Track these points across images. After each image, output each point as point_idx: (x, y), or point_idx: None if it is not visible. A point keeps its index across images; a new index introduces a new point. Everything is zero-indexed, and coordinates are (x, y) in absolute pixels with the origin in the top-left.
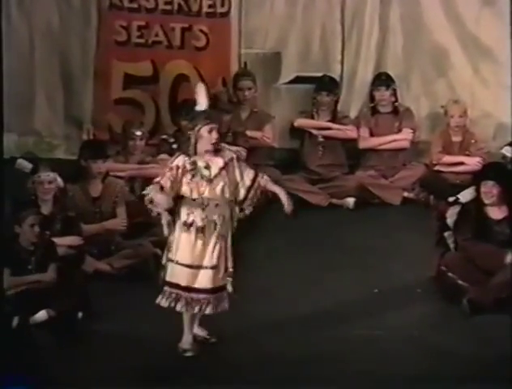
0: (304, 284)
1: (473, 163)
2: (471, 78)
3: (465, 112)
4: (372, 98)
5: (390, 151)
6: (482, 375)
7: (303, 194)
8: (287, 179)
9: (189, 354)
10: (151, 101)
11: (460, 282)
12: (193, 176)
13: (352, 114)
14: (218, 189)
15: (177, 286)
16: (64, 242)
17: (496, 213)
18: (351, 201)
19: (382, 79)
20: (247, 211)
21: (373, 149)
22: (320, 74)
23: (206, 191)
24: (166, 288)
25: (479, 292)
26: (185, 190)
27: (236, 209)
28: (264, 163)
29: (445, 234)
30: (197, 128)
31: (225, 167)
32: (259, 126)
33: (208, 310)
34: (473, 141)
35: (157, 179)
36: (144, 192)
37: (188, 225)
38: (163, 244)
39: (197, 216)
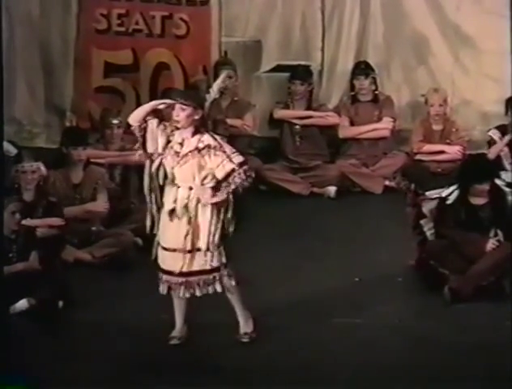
0: (284, 272)
1: (454, 151)
2: (451, 66)
3: (445, 100)
4: (352, 87)
5: (371, 139)
6: (462, 363)
7: (284, 183)
8: (267, 168)
9: (174, 342)
10: (132, 90)
11: (441, 270)
12: (167, 142)
13: (333, 103)
14: (186, 169)
15: (161, 270)
16: (45, 223)
17: (478, 199)
18: (332, 190)
19: (361, 68)
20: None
21: (354, 138)
22: (298, 63)
23: (175, 168)
24: (159, 273)
25: (460, 281)
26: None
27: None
28: (245, 151)
29: (421, 222)
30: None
31: (198, 150)
32: (239, 114)
33: (187, 294)
34: (454, 129)
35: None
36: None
37: (164, 208)
38: (143, 232)
39: (170, 198)
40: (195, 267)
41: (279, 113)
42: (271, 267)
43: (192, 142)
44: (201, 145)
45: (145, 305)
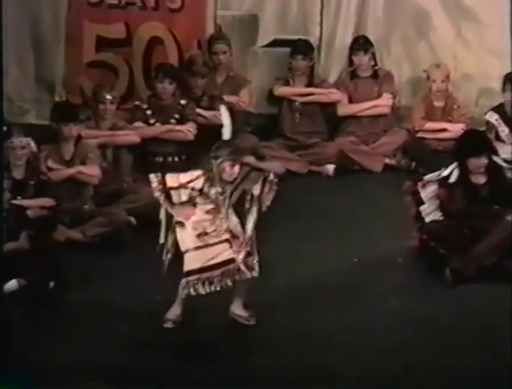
0: (281, 253)
1: (456, 129)
2: (453, 40)
3: (447, 76)
4: (351, 62)
5: (371, 117)
6: (464, 346)
7: (282, 162)
8: (265, 146)
9: (168, 325)
10: (125, 64)
11: (442, 251)
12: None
13: (332, 79)
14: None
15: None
16: (36, 204)
17: (479, 178)
18: (330, 168)
19: (360, 43)
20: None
21: (353, 115)
22: (298, 38)
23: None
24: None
25: (462, 261)
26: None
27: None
28: (241, 129)
29: (421, 208)
30: (219, 161)
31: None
32: (235, 90)
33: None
34: (456, 106)
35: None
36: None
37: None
38: (137, 212)
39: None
40: (219, 259)
41: (280, 90)
42: (268, 247)
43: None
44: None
45: (138, 287)
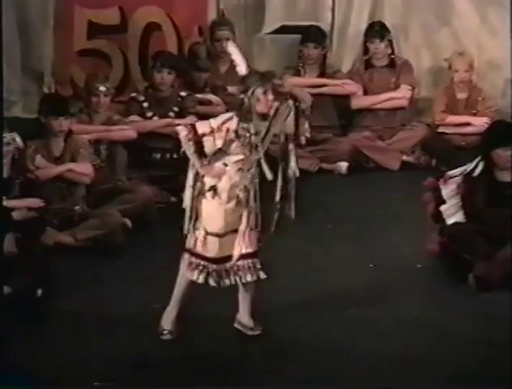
0: (291, 258)
1: (480, 123)
2: (477, 26)
3: (471, 65)
4: (365, 50)
5: (387, 110)
6: (487, 358)
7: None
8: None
9: (166, 337)
10: (119, 53)
11: (465, 256)
12: (243, 143)
13: (345, 68)
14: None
15: (205, 258)
16: (22, 204)
17: (506, 175)
18: (343, 166)
19: (376, 30)
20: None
21: (368, 108)
22: (308, 24)
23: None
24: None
25: (487, 267)
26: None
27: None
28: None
29: (441, 208)
30: (250, 91)
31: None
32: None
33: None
34: (480, 98)
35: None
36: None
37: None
38: (132, 213)
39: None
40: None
41: (291, 81)
42: (277, 252)
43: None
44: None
45: (134, 295)
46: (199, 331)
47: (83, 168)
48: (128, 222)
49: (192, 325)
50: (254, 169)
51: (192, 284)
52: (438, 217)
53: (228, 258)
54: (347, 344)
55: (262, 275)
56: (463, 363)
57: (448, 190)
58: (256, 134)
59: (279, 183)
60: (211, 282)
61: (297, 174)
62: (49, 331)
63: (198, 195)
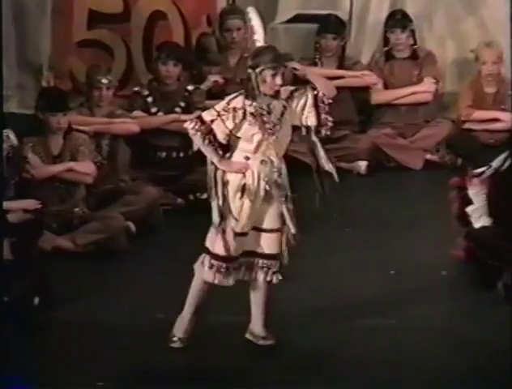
0: (307, 264)
1: (510, 119)
2: (506, 15)
3: (500, 57)
4: (386, 41)
5: (409, 105)
6: None
7: (303, 157)
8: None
9: (175, 345)
10: (122, 43)
11: (493, 262)
12: (254, 121)
13: (364, 60)
14: (281, 137)
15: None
16: (17, 206)
17: None
18: (362, 165)
19: (397, 19)
20: (327, 132)
21: (389, 103)
22: (325, 12)
23: (264, 143)
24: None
25: None
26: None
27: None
28: None
29: (468, 209)
30: (258, 69)
31: (286, 108)
32: None
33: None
34: (510, 92)
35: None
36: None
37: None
38: (136, 216)
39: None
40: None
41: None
42: (292, 257)
43: (278, 104)
44: (285, 101)
45: (138, 304)
46: (209, 340)
47: (85, 167)
48: (131, 225)
49: (202, 334)
50: (280, 162)
51: (208, 288)
52: (464, 219)
53: (248, 254)
54: (366, 355)
55: (275, 279)
56: (493, 377)
57: (475, 189)
58: (268, 113)
59: (316, 181)
60: (230, 281)
61: (332, 170)
62: (46, 342)
63: (223, 196)
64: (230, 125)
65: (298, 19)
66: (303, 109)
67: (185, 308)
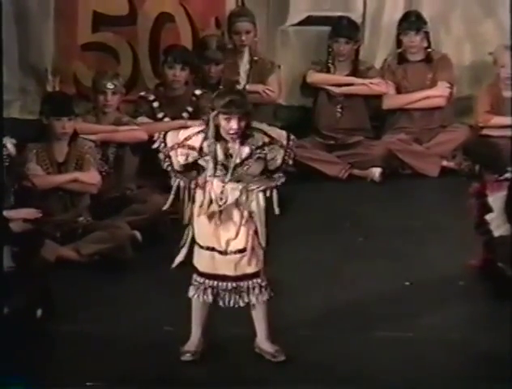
0: (318, 274)
1: None
2: None
3: None
4: (399, 43)
5: (424, 110)
6: None
7: (317, 164)
8: (297, 145)
9: (186, 358)
10: (128, 47)
11: None
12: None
13: (378, 64)
14: (241, 176)
15: (205, 275)
16: (18, 215)
17: None
18: (376, 172)
19: (411, 21)
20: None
21: (403, 108)
22: (337, 14)
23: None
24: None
25: None
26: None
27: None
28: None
29: (487, 217)
30: (213, 113)
31: (251, 156)
32: (261, 77)
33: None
34: None
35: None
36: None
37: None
38: (143, 225)
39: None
40: (247, 270)
41: (314, 77)
42: (303, 267)
43: (242, 150)
44: (254, 148)
45: (144, 315)
46: (221, 353)
47: (90, 177)
48: (138, 235)
49: (213, 346)
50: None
51: (207, 306)
52: (483, 228)
53: (235, 277)
54: (378, 370)
55: (266, 296)
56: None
57: (495, 196)
58: (226, 155)
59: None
60: (209, 297)
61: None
62: (49, 355)
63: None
64: (182, 160)
65: (310, 21)
66: (271, 159)
67: (193, 330)
